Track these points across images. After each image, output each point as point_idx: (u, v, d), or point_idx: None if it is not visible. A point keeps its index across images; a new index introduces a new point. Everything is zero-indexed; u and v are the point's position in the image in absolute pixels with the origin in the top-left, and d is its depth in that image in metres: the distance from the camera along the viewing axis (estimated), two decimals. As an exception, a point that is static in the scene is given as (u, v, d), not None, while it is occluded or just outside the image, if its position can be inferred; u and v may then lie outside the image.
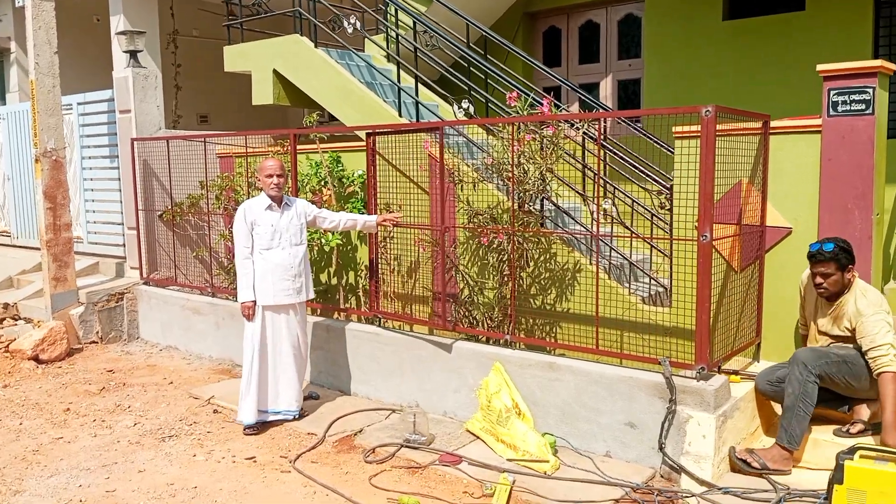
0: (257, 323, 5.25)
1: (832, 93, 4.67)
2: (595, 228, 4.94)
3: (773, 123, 4.90)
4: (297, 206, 5.44)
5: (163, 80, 8.60)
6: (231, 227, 7.35)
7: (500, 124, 5.54)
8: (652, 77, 8.29)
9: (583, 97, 7.18)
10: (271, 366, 5.32)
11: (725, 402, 4.31)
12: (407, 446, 4.83)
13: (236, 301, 7.07)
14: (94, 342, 7.77)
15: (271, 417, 5.36)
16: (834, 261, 4.35)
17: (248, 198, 7.04)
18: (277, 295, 5.25)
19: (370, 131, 6.00)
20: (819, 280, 4.41)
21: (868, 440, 4.23)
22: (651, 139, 6.30)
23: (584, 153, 6.24)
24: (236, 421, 5.37)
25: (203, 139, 7.46)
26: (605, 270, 5.47)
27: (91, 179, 9.07)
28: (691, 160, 4.58)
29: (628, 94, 8.74)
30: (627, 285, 5.66)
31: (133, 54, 8.21)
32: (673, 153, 5.86)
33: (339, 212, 5.94)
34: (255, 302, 5.21)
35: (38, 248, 9.31)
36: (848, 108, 4.62)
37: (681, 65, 8.06)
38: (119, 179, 8.63)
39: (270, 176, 5.25)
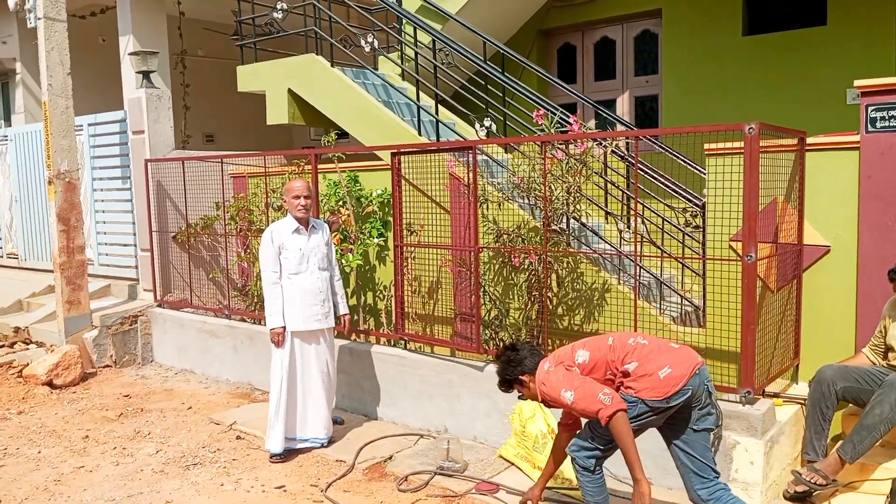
0: (286, 349, 5.12)
1: (870, 108, 4.60)
2: (632, 249, 4.85)
3: (809, 140, 4.83)
4: (324, 231, 5.33)
5: (172, 100, 8.52)
6: (246, 249, 7.30)
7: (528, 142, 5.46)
8: (670, 93, 8.23)
9: (602, 113, 7.12)
10: (300, 392, 5.19)
11: (772, 426, 4.20)
12: (441, 474, 4.71)
13: (254, 324, 7.00)
14: (107, 366, 7.63)
15: (299, 445, 5.23)
16: None
17: (265, 218, 6.97)
18: (307, 320, 5.13)
19: (395, 151, 5.90)
20: None
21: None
22: (675, 155, 6.23)
23: (605, 170, 6.17)
24: (264, 449, 5.22)
25: (220, 159, 7.37)
26: (631, 288, 5.37)
27: (102, 201, 8.96)
28: (725, 177, 4.51)
29: (645, 111, 8.69)
30: (657, 305, 5.56)
31: (146, 75, 8.14)
32: (698, 170, 5.84)
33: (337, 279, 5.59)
34: (284, 328, 5.09)
35: (48, 271, 9.22)
36: (887, 123, 4.55)
37: (700, 81, 8.01)
38: (131, 200, 8.53)
39: (298, 197, 5.11)
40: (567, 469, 4.43)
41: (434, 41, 6.96)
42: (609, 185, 6.18)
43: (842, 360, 4.54)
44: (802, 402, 4.58)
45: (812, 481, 4.07)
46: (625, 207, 6.35)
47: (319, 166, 6.61)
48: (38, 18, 7.35)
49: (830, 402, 4.25)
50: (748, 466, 4.07)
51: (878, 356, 4.45)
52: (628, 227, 5.80)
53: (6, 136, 10.14)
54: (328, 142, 6.77)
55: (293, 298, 5.10)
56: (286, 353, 5.12)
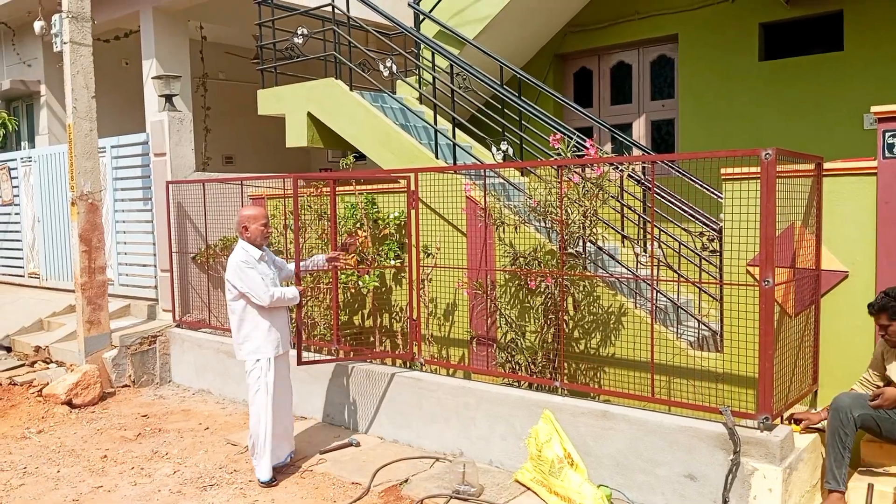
0: (270, 375, 5.16)
1: (887, 134, 4.61)
2: (649, 273, 4.85)
3: (826, 165, 4.84)
4: (269, 254, 5.42)
5: (193, 122, 8.65)
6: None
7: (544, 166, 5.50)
8: (687, 117, 8.27)
9: (619, 138, 7.16)
10: (281, 416, 5.31)
11: (791, 453, 4.18)
12: (456, 498, 4.70)
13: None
14: (126, 386, 7.70)
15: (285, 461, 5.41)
16: (884, 311, 4.27)
17: (284, 240, 7.05)
18: (284, 344, 5.29)
19: (397, 174, 5.96)
20: (881, 332, 4.34)
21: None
22: (692, 180, 6.25)
23: (622, 194, 6.19)
24: (258, 480, 5.17)
25: (240, 182, 7.46)
26: (648, 312, 5.37)
27: (123, 222, 9.08)
28: (742, 202, 4.52)
29: (662, 135, 8.72)
30: (674, 329, 5.55)
31: (168, 98, 8.27)
32: (715, 194, 5.85)
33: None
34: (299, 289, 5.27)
35: (68, 290, 9.34)
36: (905, 150, 4.55)
37: (716, 105, 8.05)
38: (151, 222, 8.64)
39: (267, 224, 5.23)
40: (584, 495, 4.42)
41: (451, 66, 7.04)
42: (625, 209, 6.20)
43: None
44: (821, 428, 4.56)
45: None
46: (641, 231, 6.36)
47: (339, 188, 6.67)
48: (65, 43, 7.51)
49: (849, 429, 4.22)
50: (766, 494, 4.04)
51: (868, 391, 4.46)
52: (645, 251, 5.81)
53: (30, 158, 10.33)
54: (347, 164, 6.84)
55: (268, 326, 5.14)
56: (270, 380, 5.15)
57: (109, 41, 10.66)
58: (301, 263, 5.72)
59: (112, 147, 9.05)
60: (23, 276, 10.66)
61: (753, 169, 4.40)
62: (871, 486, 4.21)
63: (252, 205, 5.69)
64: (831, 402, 4.38)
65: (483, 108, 7.04)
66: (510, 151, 6.73)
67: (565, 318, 5.45)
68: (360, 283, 6.59)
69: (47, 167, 9.98)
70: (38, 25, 9.22)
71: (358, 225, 6.72)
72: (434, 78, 7.22)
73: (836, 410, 4.29)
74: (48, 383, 7.31)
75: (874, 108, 4.64)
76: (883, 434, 4.27)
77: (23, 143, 12.12)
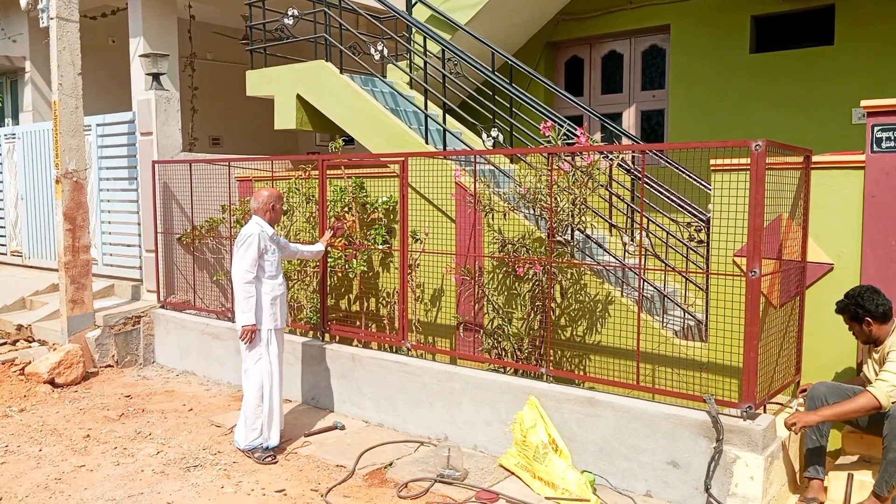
0: (272, 347, 5.33)
1: (876, 129, 4.64)
2: (636, 261, 4.87)
3: (815, 158, 4.87)
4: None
5: (180, 102, 8.55)
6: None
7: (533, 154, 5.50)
8: (677, 108, 8.29)
9: (609, 126, 7.16)
10: (279, 389, 5.43)
11: (773, 442, 4.22)
12: (441, 481, 4.71)
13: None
14: (109, 366, 7.64)
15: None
16: (843, 313, 4.35)
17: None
18: (285, 318, 5.48)
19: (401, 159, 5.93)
20: (850, 330, 4.41)
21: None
22: (681, 170, 6.27)
23: (610, 183, 6.20)
24: (265, 446, 5.29)
25: (227, 163, 7.41)
26: (635, 301, 5.40)
27: (108, 201, 8.99)
28: (730, 193, 4.54)
29: (651, 125, 8.74)
30: (659, 318, 5.58)
31: (156, 77, 8.17)
32: (703, 185, 5.88)
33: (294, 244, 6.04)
34: (255, 326, 5.26)
35: (51, 269, 9.25)
36: (892, 144, 4.58)
37: (706, 96, 8.07)
38: (137, 201, 8.56)
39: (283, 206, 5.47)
40: (568, 480, 4.45)
41: (443, 51, 7.01)
42: (614, 198, 6.22)
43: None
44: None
45: None
46: (629, 220, 6.38)
47: (328, 172, 6.63)
48: (51, 18, 7.40)
49: None
50: (748, 481, 4.08)
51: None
52: (632, 240, 5.83)
53: (14, 134, 10.19)
54: (336, 148, 6.81)
55: (275, 299, 5.35)
56: (273, 350, 5.34)
57: (96, 18, 10.52)
58: (303, 247, 5.95)
59: (98, 125, 8.94)
60: (5, 255, 10.54)
61: (743, 160, 4.42)
62: (850, 476, 4.27)
63: (268, 187, 5.75)
64: (808, 391, 4.43)
65: (474, 94, 7.02)
66: (500, 138, 6.71)
67: (552, 305, 5.46)
68: (348, 267, 6.57)
69: (31, 144, 9.85)
70: (23, 0, 9.07)
71: (346, 209, 6.69)
72: (425, 63, 7.18)
73: (812, 399, 4.35)
74: (30, 362, 7.25)
75: (864, 103, 4.67)
76: (860, 424, 4.32)
77: (7, 120, 11.96)
